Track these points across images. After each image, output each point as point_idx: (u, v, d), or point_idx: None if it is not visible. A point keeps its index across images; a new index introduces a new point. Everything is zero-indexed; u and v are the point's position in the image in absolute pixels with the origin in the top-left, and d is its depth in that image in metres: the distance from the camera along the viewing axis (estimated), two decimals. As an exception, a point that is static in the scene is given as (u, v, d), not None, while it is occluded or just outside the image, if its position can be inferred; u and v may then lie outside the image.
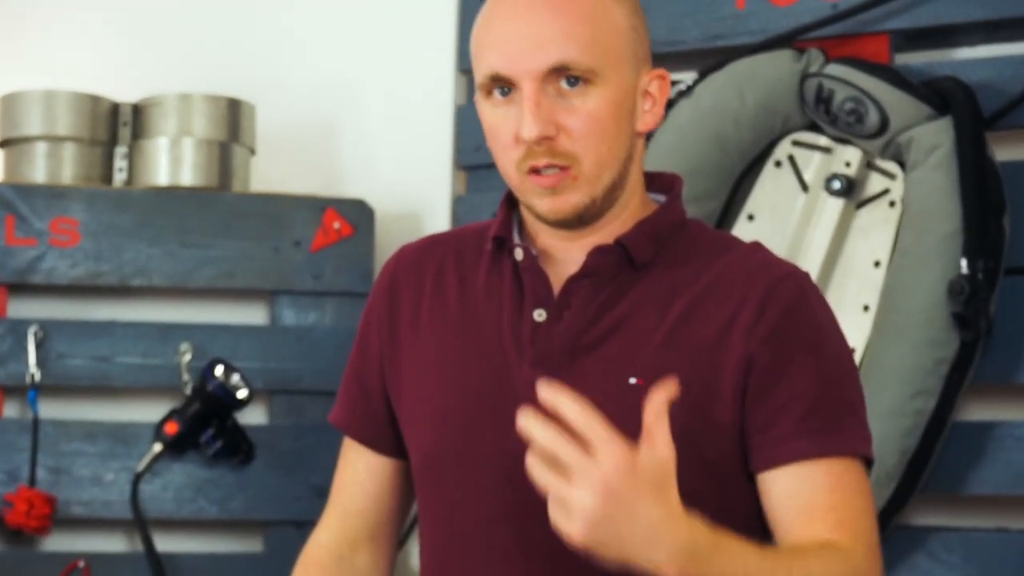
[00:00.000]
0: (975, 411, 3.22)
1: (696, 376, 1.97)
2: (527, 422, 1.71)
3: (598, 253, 2.03)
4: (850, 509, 1.97)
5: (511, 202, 2.12)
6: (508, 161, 2.01)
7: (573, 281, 2.04)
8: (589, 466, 1.68)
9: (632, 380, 1.98)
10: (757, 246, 2.11)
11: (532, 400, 1.90)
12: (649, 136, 3.35)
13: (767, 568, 1.85)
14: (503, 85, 1.99)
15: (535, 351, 2.03)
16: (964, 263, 3.06)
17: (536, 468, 1.70)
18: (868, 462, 2.02)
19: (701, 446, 1.97)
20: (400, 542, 2.36)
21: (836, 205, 3.26)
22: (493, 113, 2.02)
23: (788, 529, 1.98)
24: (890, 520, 3.14)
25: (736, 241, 2.14)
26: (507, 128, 1.99)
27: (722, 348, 1.99)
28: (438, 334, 2.12)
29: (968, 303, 3.05)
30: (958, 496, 3.22)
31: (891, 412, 3.08)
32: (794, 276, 2.05)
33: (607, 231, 2.05)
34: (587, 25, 1.98)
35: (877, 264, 3.23)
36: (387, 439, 2.21)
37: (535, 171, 1.99)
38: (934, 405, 3.09)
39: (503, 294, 2.08)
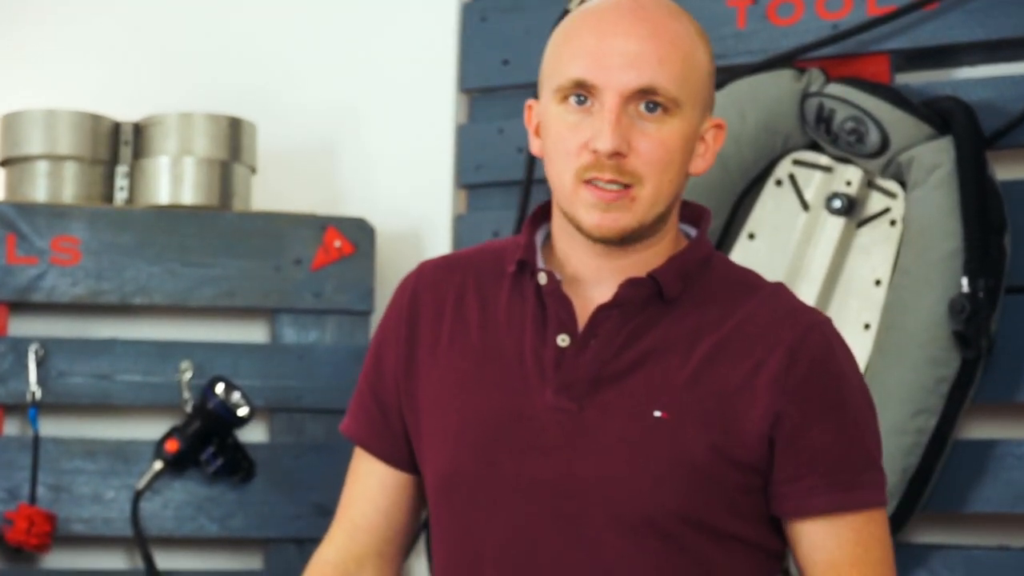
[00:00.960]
0: (976, 429, 3.23)
1: (720, 417, 2.00)
2: None
3: (630, 285, 2.03)
4: (871, 561, 2.04)
5: (535, 223, 2.13)
6: (567, 168, 2.01)
7: (602, 310, 2.04)
8: None
9: (657, 414, 2.00)
10: (780, 288, 2.13)
11: (553, 423, 2.03)
12: None
13: None
14: (583, 93, 2.00)
15: (559, 377, 2.03)
16: (965, 282, 3.07)
17: None
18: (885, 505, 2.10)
19: (719, 479, 2.00)
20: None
21: (837, 224, 3.26)
22: (564, 119, 2.02)
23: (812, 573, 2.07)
24: (892, 536, 3.13)
25: (761, 281, 2.14)
26: (576, 136, 2.00)
27: (748, 393, 2.01)
28: (458, 357, 2.12)
29: (969, 322, 3.05)
30: (959, 514, 3.23)
31: (892, 430, 3.05)
32: (821, 326, 2.07)
33: (638, 259, 2.05)
34: (679, 56, 2.01)
35: (878, 283, 3.23)
36: (403, 455, 2.20)
37: (593, 183, 1.99)
38: (935, 423, 3.10)
39: (525, 319, 2.09)
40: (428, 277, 2.20)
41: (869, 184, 3.27)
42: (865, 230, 3.27)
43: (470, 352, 2.11)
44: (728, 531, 2.02)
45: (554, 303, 2.05)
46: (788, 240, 3.31)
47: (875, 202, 3.26)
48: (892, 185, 3.24)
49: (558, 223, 2.09)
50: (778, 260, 3.26)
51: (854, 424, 2.05)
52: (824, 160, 3.31)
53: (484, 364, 2.09)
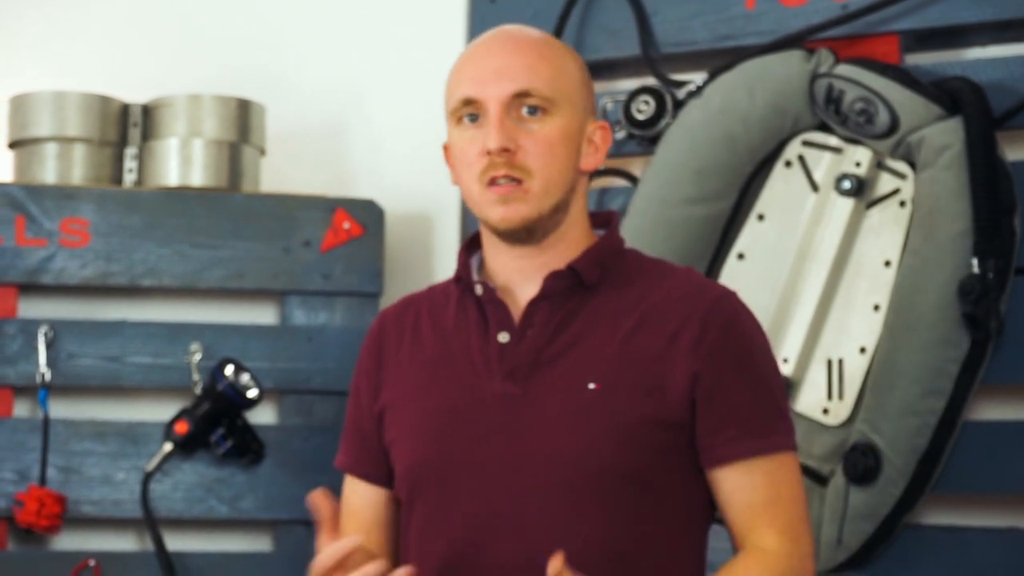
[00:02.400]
0: (985, 411, 3.22)
1: (645, 382, 2.18)
2: None
3: (553, 278, 2.23)
4: (782, 500, 2.20)
5: (468, 249, 2.33)
6: (472, 175, 2.21)
7: (533, 304, 2.23)
8: None
9: (591, 386, 2.18)
10: (691, 271, 2.34)
11: (501, 407, 2.20)
12: (657, 137, 3.38)
13: None
14: (472, 112, 2.22)
15: (503, 367, 2.20)
16: (975, 263, 3.07)
17: None
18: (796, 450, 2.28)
19: (650, 439, 2.17)
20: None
21: (846, 205, 3.27)
22: (462, 136, 2.24)
23: (734, 521, 2.21)
24: (900, 519, 3.17)
25: (672, 267, 2.35)
26: (473, 147, 2.21)
27: (668, 359, 2.19)
28: (417, 368, 2.30)
29: (978, 303, 3.06)
30: (969, 496, 3.24)
31: (902, 412, 3.12)
32: (728, 297, 2.27)
33: (554, 254, 2.26)
34: (547, 65, 2.24)
35: (887, 264, 3.23)
36: (383, 472, 2.34)
37: (493, 183, 2.18)
38: (944, 405, 3.11)
39: (470, 326, 2.27)
40: (391, 317, 2.40)
41: (879, 165, 3.27)
42: (874, 211, 3.27)
43: (426, 361, 2.29)
44: (662, 486, 2.16)
45: (492, 308, 2.24)
46: (797, 221, 3.32)
47: (884, 183, 3.26)
48: (902, 166, 3.24)
49: (485, 240, 2.30)
50: (787, 241, 3.29)
51: (763, 380, 2.23)
52: (833, 141, 3.31)
53: (438, 368, 2.26)
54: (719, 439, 2.18)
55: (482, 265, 2.31)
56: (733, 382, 2.19)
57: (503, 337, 2.22)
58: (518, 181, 2.18)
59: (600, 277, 2.25)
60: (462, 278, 2.29)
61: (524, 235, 2.22)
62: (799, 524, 2.21)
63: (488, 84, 2.20)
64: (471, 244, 2.33)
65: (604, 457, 2.15)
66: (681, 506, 2.21)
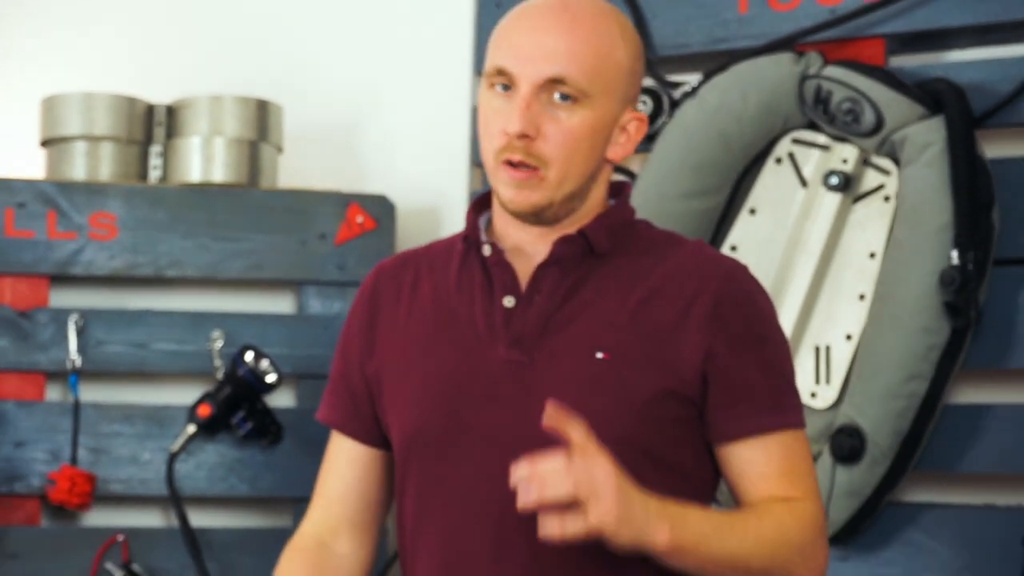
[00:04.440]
0: (965, 394, 3.25)
1: (657, 353, 2.07)
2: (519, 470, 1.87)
3: (563, 242, 2.10)
4: (798, 472, 2.11)
5: (478, 208, 2.21)
6: (490, 148, 2.09)
7: (542, 268, 2.11)
8: (599, 470, 1.86)
9: (599, 355, 2.06)
10: (702, 243, 2.22)
11: (506, 374, 2.09)
12: (654, 135, 3.41)
13: (728, 528, 2.01)
14: (505, 82, 2.07)
15: (509, 334, 2.09)
16: (955, 255, 3.08)
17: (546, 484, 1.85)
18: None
19: (659, 412, 2.07)
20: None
21: (834, 200, 3.27)
22: (490, 104, 2.09)
23: (748, 491, 2.12)
24: (883, 497, 3.18)
25: (682, 238, 2.22)
26: (498, 120, 2.07)
27: (680, 332, 2.07)
28: (415, 328, 2.18)
29: (959, 292, 3.06)
30: (948, 474, 3.26)
31: (885, 395, 3.13)
32: (740, 270, 2.16)
33: (567, 224, 2.13)
34: (592, 52, 2.07)
35: (872, 256, 3.24)
36: (371, 431, 2.24)
37: (509, 163, 2.06)
38: (926, 389, 3.12)
39: (474, 287, 2.15)
40: (387, 272, 2.26)
41: (864, 162, 3.27)
42: (860, 205, 3.28)
43: (426, 321, 2.16)
44: (667, 459, 2.08)
45: (498, 270, 2.12)
46: (787, 215, 3.32)
47: (870, 179, 3.27)
48: (886, 163, 3.25)
49: (495, 203, 2.16)
50: (778, 234, 3.29)
51: (775, 355, 2.14)
52: (822, 139, 3.31)
53: (439, 330, 2.14)
54: (731, 414, 2.09)
55: (489, 225, 2.20)
56: (747, 358, 2.10)
57: (508, 301, 2.11)
58: (534, 168, 2.07)
59: (611, 246, 2.14)
60: (470, 237, 2.17)
61: (533, 219, 2.11)
62: (818, 496, 2.13)
63: (526, 62, 2.06)
64: (480, 203, 2.22)
65: (611, 429, 2.00)
66: (687, 479, 2.11)
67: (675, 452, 2.10)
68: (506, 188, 2.08)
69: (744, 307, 2.12)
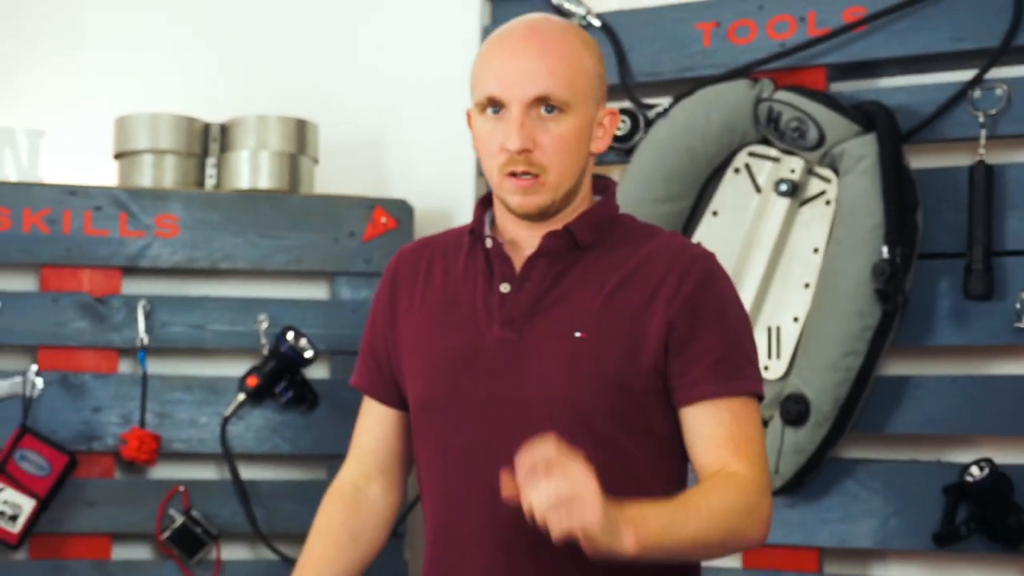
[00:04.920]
0: (893, 368, 3.25)
1: (627, 332, 2.06)
2: (509, 484, 1.85)
3: (550, 237, 2.11)
4: (745, 437, 2.07)
5: (483, 205, 2.20)
6: (493, 164, 2.09)
7: (532, 259, 2.11)
8: (580, 480, 1.80)
9: (577, 335, 2.06)
10: (675, 234, 2.22)
11: (500, 350, 2.09)
12: (632, 149, 3.36)
13: (682, 513, 1.96)
14: (496, 106, 2.07)
15: (502, 315, 2.10)
16: (885, 250, 3.08)
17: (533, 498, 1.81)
18: (760, 397, 2.13)
19: (629, 383, 2.06)
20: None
21: (783, 204, 3.27)
22: (484, 126, 2.09)
23: (699, 454, 2.09)
24: (825, 454, 3.18)
25: (659, 230, 2.21)
26: (495, 139, 2.07)
27: (648, 311, 2.06)
28: (428, 310, 2.18)
29: (888, 282, 3.07)
30: (879, 435, 3.25)
31: (826, 368, 3.13)
32: (704, 257, 2.13)
33: (560, 221, 2.12)
34: (567, 67, 2.07)
35: (816, 251, 3.24)
36: (394, 395, 2.26)
37: (513, 175, 2.06)
38: (861, 363, 3.12)
39: (477, 274, 2.15)
40: (406, 256, 2.27)
41: (809, 171, 3.26)
42: (805, 208, 3.27)
43: (437, 304, 2.17)
44: (639, 423, 2.08)
45: (498, 261, 2.13)
46: (744, 217, 3.31)
47: (813, 186, 3.26)
48: (827, 172, 3.24)
49: (496, 203, 2.16)
50: (736, 233, 3.30)
51: (732, 330, 2.10)
52: (773, 152, 3.30)
53: (448, 312, 2.15)
54: (688, 380, 2.06)
55: (493, 220, 2.19)
56: (704, 329, 2.07)
57: (504, 288, 2.11)
58: (535, 175, 2.06)
59: (594, 239, 2.13)
60: (476, 231, 2.18)
61: (538, 217, 2.11)
62: (760, 460, 2.08)
63: (512, 86, 2.05)
64: (484, 201, 2.21)
65: (588, 398, 2.05)
66: (659, 442, 2.11)
67: (646, 417, 2.09)
68: (513, 196, 2.08)
69: (704, 286, 2.09)
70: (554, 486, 1.79)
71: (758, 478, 2.06)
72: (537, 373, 2.07)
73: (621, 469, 2.05)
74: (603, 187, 2.22)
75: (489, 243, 2.15)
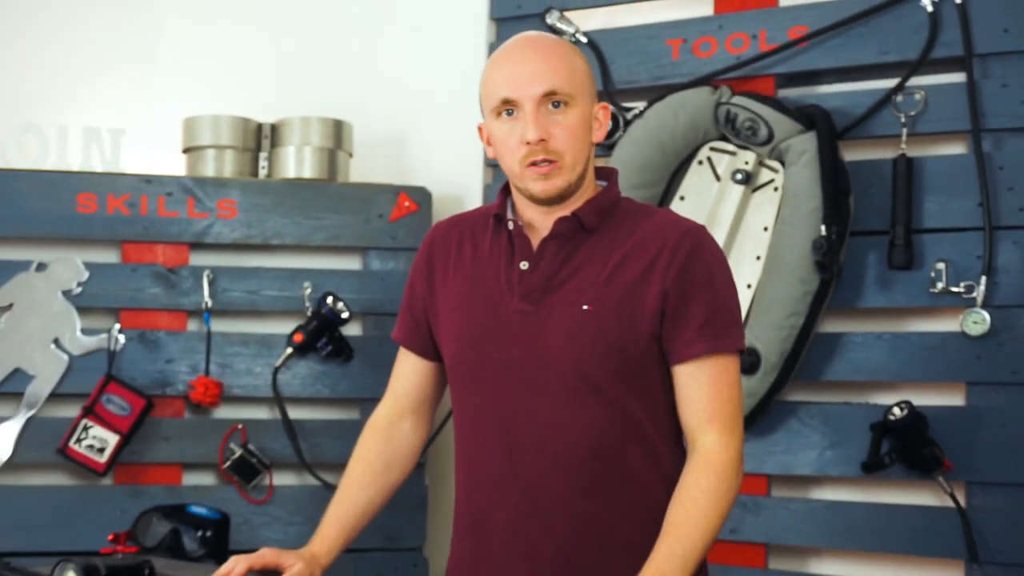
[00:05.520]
0: (829, 326, 3.25)
1: (627, 303, 2.04)
2: None
3: (560, 222, 2.09)
4: (722, 399, 2.04)
5: (504, 192, 2.17)
6: (513, 160, 2.05)
7: (545, 241, 2.09)
8: None
9: (585, 307, 2.05)
10: (669, 211, 2.18)
11: (519, 320, 2.07)
12: (612, 146, 3.33)
13: (683, 530, 1.96)
14: (510, 107, 2.04)
15: (521, 289, 2.08)
16: (823, 228, 3.08)
17: None
18: (743, 351, 2.10)
19: (630, 348, 2.04)
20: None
21: (738, 190, 3.27)
22: (502, 128, 2.06)
23: (684, 413, 2.07)
24: (773, 398, 3.18)
25: (655, 209, 2.19)
26: (512, 137, 2.04)
27: (645, 283, 2.04)
28: (460, 282, 2.16)
29: (826, 255, 3.07)
30: (818, 382, 3.26)
31: (774, 326, 3.13)
32: (695, 229, 2.10)
33: (569, 207, 2.10)
34: (565, 66, 2.05)
35: (766, 229, 3.25)
36: (427, 348, 2.25)
37: (533, 164, 2.03)
38: (802, 322, 3.12)
39: (501, 253, 2.13)
40: (441, 231, 2.24)
41: (760, 163, 3.27)
42: (757, 194, 3.28)
43: (467, 277, 2.15)
44: (639, 384, 2.05)
45: (518, 241, 2.11)
46: (706, 201, 3.31)
47: (764, 175, 3.27)
48: (775, 164, 3.25)
49: (515, 192, 2.13)
50: (699, 214, 3.26)
51: (719, 296, 2.06)
52: (730, 147, 3.30)
53: (476, 285, 2.13)
54: (680, 342, 2.03)
55: (513, 205, 2.15)
56: (694, 296, 2.02)
57: (524, 265, 2.08)
58: (552, 161, 2.03)
59: (598, 222, 2.09)
60: (500, 215, 2.15)
61: (557, 200, 2.07)
62: (734, 418, 2.04)
63: (523, 87, 2.02)
64: (506, 188, 2.17)
65: (593, 362, 2.02)
66: (656, 397, 2.07)
67: (645, 376, 2.06)
68: (535, 183, 2.05)
69: (694, 256, 2.05)
70: None
71: (729, 445, 2.02)
72: (550, 341, 2.05)
73: (624, 421, 2.05)
74: (607, 174, 2.19)
75: (511, 225, 2.13)
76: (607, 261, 2.07)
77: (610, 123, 3.22)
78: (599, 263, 2.07)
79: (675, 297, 2.03)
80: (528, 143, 2.02)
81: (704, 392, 2.04)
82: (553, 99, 2.03)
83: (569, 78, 2.04)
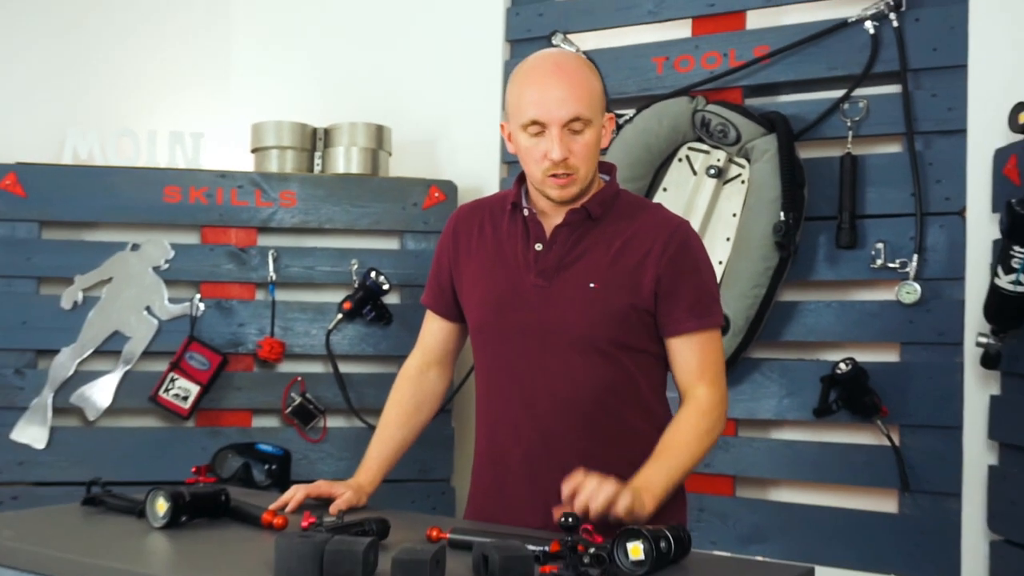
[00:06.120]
0: (787, 295, 3.24)
1: (627, 283, 2.03)
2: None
3: (572, 213, 2.07)
4: (708, 362, 2.05)
5: (520, 182, 2.13)
6: (537, 169, 2.02)
7: (558, 228, 2.07)
8: (611, 486, 1.84)
9: (591, 285, 2.03)
10: (660, 206, 2.15)
11: (534, 293, 2.04)
12: (607, 147, 3.38)
13: (673, 459, 1.96)
14: (538, 126, 1.99)
15: (536, 267, 2.06)
16: (782, 215, 3.08)
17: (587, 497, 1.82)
18: (723, 327, 2.09)
19: (629, 319, 2.03)
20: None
21: (711, 183, 3.26)
22: (528, 141, 2.01)
23: (678, 374, 2.07)
24: (739, 355, 3.19)
25: (648, 202, 2.16)
26: (538, 150, 1.99)
27: (642, 268, 2.03)
28: (482, 256, 2.14)
29: (784, 236, 3.06)
30: (777, 341, 3.25)
31: (741, 296, 3.13)
32: (683, 226, 2.08)
33: (578, 200, 2.07)
34: (587, 92, 1.99)
35: (735, 215, 3.23)
36: (451, 311, 2.23)
37: (554, 175, 2.01)
38: (764, 292, 3.13)
39: (517, 235, 2.11)
40: (464, 213, 2.21)
41: (730, 160, 3.25)
42: (727, 186, 3.26)
43: (488, 253, 2.13)
44: (637, 347, 2.05)
45: (533, 225, 2.09)
46: (685, 191, 3.29)
47: (733, 171, 3.25)
48: (742, 161, 3.24)
49: (531, 185, 2.10)
50: (680, 204, 3.27)
51: (704, 280, 2.06)
52: (705, 147, 3.29)
53: (496, 261, 2.11)
54: (672, 319, 2.02)
55: (527, 193, 2.11)
56: (682, 281, 2.02)
57: (538, 246, 2.06)
58: (570, 175, 1.99)
59: (602, 212, 2.06)
60: (516, 203, 2.10)
61: (571, 202, 2.05)
62: (719, 376, 2.05)
63: (551, 112, 1.95)
64: (520, 179, 2.12)
65: (598, 330, 2.01)
66: (648, 358, 2.06)
67: (640, 341, 2.05)
68: (554, 190, 2.02)
69: (682, 248, 2.04)
70: (600, 492, 1.82)
71: (715, 394, 2.03)
72: (561, 311, 2.03)
73: (621, 376, 2.04)
74: (607, 168, 2.16)
75: (526, 212, 2.10)
76: (610, 247, 2.05)
77: (615, 130, 3.20)
78: (603, 248, 2.05)
79: (667, 281, 2.02)
80: (553, 160, 1.99)
81: (695, 358, 2.04)
82: (576, 123, 1.98)
83: (589, 103, 1.99)
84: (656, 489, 1.90)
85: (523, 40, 3.69)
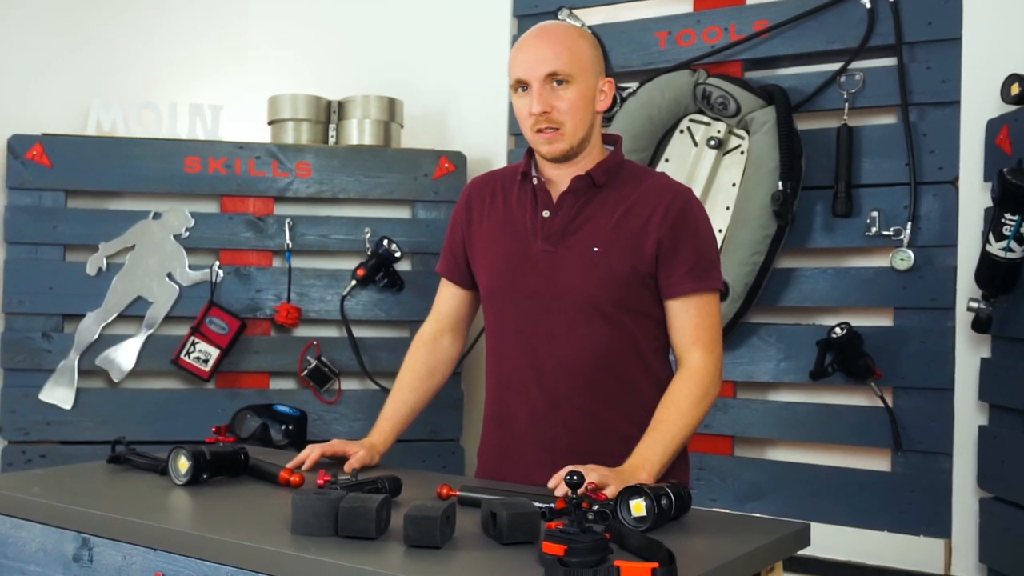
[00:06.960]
0: (784, 262, 3.25)
1: (630, 247, 2.01)
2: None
3: (576, 180, 2.06)
4: (704, 327, 2.02)
5: (530, 154, 2.13)
6: (526, 127, 2.04)
7: (563, 195, 2.07)
8: (601, 470, 1.81)
9: (595, 249, 2.02)
10: (662, 174, 2.13)
11: (542, 258, 2.04)
12: (611, 118, 3.31)
13: (669, 432, 1.93)
14: (523, 85, 2.01)
15: (544, 233, 2.06)
16: (780, 184, 3.07)
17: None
18: (721, 292, 2.06)
19: (631, 282, 2.02)
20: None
21: (712, 153, 3.26)
22: (518, 101, 2.03)
23: (675, 337, 2.04)
24: (739, 319, 3.20)
25: (652, 171, 2.15)
26: (525, 108, 2.02)
27: (644, 233, 2.01)
28: (494, 225, 2.14)
29: (782, 205, 3.06)
30: (774, 307, 3.26)
31: (740, 263, 3.14)
32: (684, 191, 2.07)
33: (580, 166, 2.07)
34: (567, 50, 1.99)
35: (734, 185, 3.23)
36: (464, 279, 2.22)
37: (540, 131, 2.01)
38: (763, 259, 3.13)
39: (527, 203, 2.10)
40: (477, 184, 2.21)
41: (730, 132, 3.25)
42: (727, 157, 3.26)
43: (499, 222, 2.12)
44: (638, 309, 2.04)
45: (541, 194, 2.08)
46: (687, 162, 3.29)
47: (733, 141, 3.25)
48: (742, 132, 3.24)
49: (537, 153, 2.08)
50: (680, 173, 3.26)
51: (703, 245, 2.04)
52: (706, 119, 3.29)
53: (506, 228, 2.11)
54: (672, 281, 2.00)
55: (536, 164, 2.11)
56: (682, 245, 2.00)
57: (545, 213, 2.05)
58: (556, 128, 1.99)
59: (606, 180, 2.05)
60: (526, 173, 2.10)
61: (562, 159, 2.04)
62: (714, 341, 2.02)
63: (530, 69, 1.98)
64: (531, 151, 2.11)
65: (601, 293, 2.00)
66: (650, 320, 2.04)
67: (642, 303, 2.04)
68: (542, 145, 2.03)
69: (683, 214, 2.02)
70: (589, 475, 1.79)
71: (708, 359, 2.01)
72: (567, 275, 2.03)
73: (624, 338, 2.03)
74: (613, 140, 2.15)
75: (535, 181, 2.10)
76: (613, 212, 2.04)
77: (615, 94, 3.17)
78: (607, 214, 2.04)
79: (668, 245, 2.01)
80: (533, 114, 2.00)
81: (691, 321, 2.02)
82: (556, 78, 1.99)
83: (570, 60, 1.99)
84: (652, 466, 1.89)
85: (530, 15, 3.69)
